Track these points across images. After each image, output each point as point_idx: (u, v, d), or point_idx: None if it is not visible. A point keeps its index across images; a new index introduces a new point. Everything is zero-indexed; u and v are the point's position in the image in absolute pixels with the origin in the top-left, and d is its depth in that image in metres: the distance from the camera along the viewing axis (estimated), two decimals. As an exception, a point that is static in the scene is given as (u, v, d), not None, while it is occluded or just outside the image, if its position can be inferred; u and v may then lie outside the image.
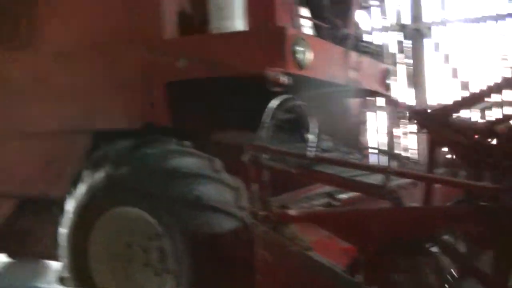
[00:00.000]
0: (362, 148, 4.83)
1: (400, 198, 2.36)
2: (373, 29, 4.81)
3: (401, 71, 8.65)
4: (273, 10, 3.78)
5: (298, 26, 3.84)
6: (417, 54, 8.53)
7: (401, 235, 2.38)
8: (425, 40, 8.49)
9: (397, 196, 2.36)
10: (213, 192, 3.18)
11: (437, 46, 8.49)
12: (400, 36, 8.60)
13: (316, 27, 4.18)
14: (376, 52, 4.78)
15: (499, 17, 7.80)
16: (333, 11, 4.43)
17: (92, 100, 3.95)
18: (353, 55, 4.27)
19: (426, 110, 2.75)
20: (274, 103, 2.73)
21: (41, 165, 4.19)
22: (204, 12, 3.78)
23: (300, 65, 3.52)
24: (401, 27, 8.59)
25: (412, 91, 8.57)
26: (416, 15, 8.48)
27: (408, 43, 8.59)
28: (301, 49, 3.52)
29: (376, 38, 4.97)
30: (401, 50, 8.65)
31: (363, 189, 2.54)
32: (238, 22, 3.71)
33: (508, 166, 2.36)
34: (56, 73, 4.11)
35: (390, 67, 5.12)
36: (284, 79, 3.36)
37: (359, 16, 4.78)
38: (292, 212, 2.54)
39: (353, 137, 4.97)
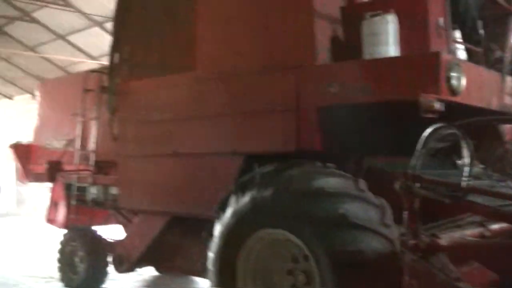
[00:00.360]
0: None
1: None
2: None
3: None
4: (427, 35, 3.77)
5: (452, 51, 3.78)
6: None
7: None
8: None
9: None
10: (357, 210, 3.21)
11: None
12: None
13: (469, 51, 4.09)
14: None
15: None
16: (488, 34, 4.31)
17: (247, 123, 4.15)
18: (509, 80, 4.14)
19: None
20: (428, 131, 2.75)
21: (194, 185, 4.46)
22: (357, 38, 3.87)
23: (454, 91, 3.48)
24: None
25: None
26: None
27: None
28: (456, 75, 3.48)
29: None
30: None
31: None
32: (392, 48, 3.75)
33: None
34: (214, 96, 4.39)
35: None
36: (438, 106, 3.34)
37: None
38: (442, 241, 2.54)
39: (507, 164, 4.76)
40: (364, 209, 3.23)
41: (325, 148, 3.82)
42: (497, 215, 2.60)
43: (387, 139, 3.86)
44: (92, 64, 13.82)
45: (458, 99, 3.54)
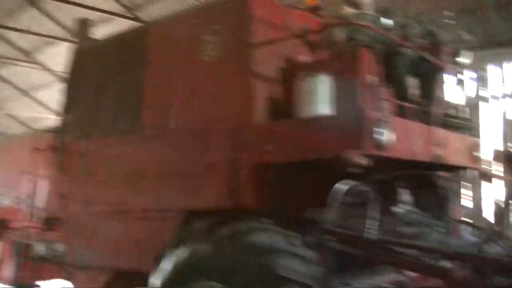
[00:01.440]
0: (450, 221, 4.76)
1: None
2: (468, 102, 4.84)
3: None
4: (358, 94, 3.94)
5: (382, 109, 3.96)
6: None
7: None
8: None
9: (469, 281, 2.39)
10: (287, 264, 3.31)
11: None
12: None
13: (402, 107, 4.28)
14: (465, 126, 4.79)
15: None
16: (422, 90, 4.53)
17: (187, 181, 4.28)
18: (438, 132, 4.33)
19: None
20: (339, 187, 2.87)
21: (136, 240, 4.56)
22: (293, 98, 4.04)
23: (380, 146, 3.65)
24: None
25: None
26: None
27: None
28: (382, 131, 3.65)
29: (467, 112, 4.92)
30: None
31: (428, 272, 2.59)
32: (324, 107, 3.90)
33: None
34: (156, 155, 4.54)
35: (478, 139, 5.06)
36: (362, 161, 3.49)
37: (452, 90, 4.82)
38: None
39: (443, 209, 4.92)
40: (294, 263, 3.32)
41: (262, 204, 3.93)
42: (407, 265, 2.71)
43: (324, 193, 3.98)
44: (56, 120, 13.82)
45: (385, 153, 3.69)
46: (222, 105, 4.24)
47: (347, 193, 2.87)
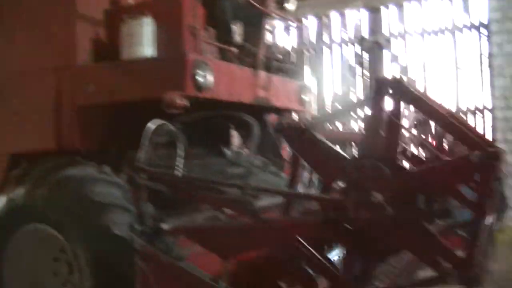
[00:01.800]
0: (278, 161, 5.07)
1: (256, 212, 2.62)
2: (293, 47, 5.11)
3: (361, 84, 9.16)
4: (180, 37, 4.04)
5: (203, 52, 4.09)
6: (375, 67, 8.96)
7: (260, 246, 2.67)
8: (383, 53, 8.93)
9: (254, 210, 2.61)
10: (100, 190, 3.52)
11: (395, 58, 8.92)
12: (358, 49, 9.06)
13: (224, 51, 4.43)
14: (291, 70, 5.07)
15: (456, 29, 8.27)
16: (245, 34, 4.70)
17: (12, 123, 4.23)
18: (263, 76, 4.56)
19: (289, 124, 2.88)
20: (150, 126, 2.99)
21: None
22: (118, 40, 4.06)
23: (200, 88, 3.80)
24: (360, 40, 9.03)
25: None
26: (374, 28, 8.94)
27: (366, 56, 9.07)
28: (202, 73, 3.80)
29: (294, 57, 5.20)
30: (359, 63, 9.12)
31: (227, 205, 2.80)
32: (147, 49, 3.97)
33: (353, 181, 2.61)
34: None
35: (305, 83, 5.39)
36: (181, 102, 3.62)
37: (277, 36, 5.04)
38: (165, 226, 2.79)
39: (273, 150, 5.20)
40: (109, 189, 3.54)
41: (87, 146, 3.99)
42: (209, 201, 2.91)
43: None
44: None
45: (206, 94, 3.85)
46: (46, 46, 4.17)
47: (155, 132, 2.98)
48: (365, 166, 2.54)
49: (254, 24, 4.72)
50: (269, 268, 2.77)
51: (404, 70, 8.79)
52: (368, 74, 9.08)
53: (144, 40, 3.99)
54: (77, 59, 4.06)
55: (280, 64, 4.93)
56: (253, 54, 4.56)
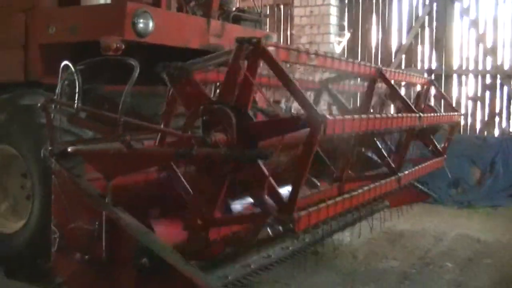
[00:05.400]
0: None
1: (128, 142, 3.16)
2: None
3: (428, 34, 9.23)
4: None
5: (145, 1, 4.58)
6: (444, 18, 9.02)
7: (132, 169, 3.27)
8: (454, 5, 8.96)
9: (126, 140, 3.15)
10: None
11: (465, 11, 8.89)
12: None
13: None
14: (252, 20, 5.49)
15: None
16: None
17: None
18: (215, 23, 5.03)
19: (171, 65, 3.19)
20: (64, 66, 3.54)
21: None
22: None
23: (140, 33, 4.33)
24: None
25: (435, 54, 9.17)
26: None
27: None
28: (142, 20, 4.32)
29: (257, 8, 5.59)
30: (428, 13, 9.13)
31: (108, 136, 3.39)
32: (104, -2, 4.56)
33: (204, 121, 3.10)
34: None
35: (268, 33, 5.79)
36: (118, 45, 4.18)
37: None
38: (69, 149, 3.36)
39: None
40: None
41: (49, 79, 4.61)
42: (98, 130, 3.52)
43: (104, 71, 4.69)
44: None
45: (146, 40, 4.40)
46: None
47: (63, 71, 3.54)
48: (215, 110, 3.04)
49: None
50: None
51: (474, 24, 8.82)
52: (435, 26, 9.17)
53: (99, -11, 4.56)
54: (43, 2, 4.69)
55: (242, 15, 5.36)
56: (207, 5, 5.02)
